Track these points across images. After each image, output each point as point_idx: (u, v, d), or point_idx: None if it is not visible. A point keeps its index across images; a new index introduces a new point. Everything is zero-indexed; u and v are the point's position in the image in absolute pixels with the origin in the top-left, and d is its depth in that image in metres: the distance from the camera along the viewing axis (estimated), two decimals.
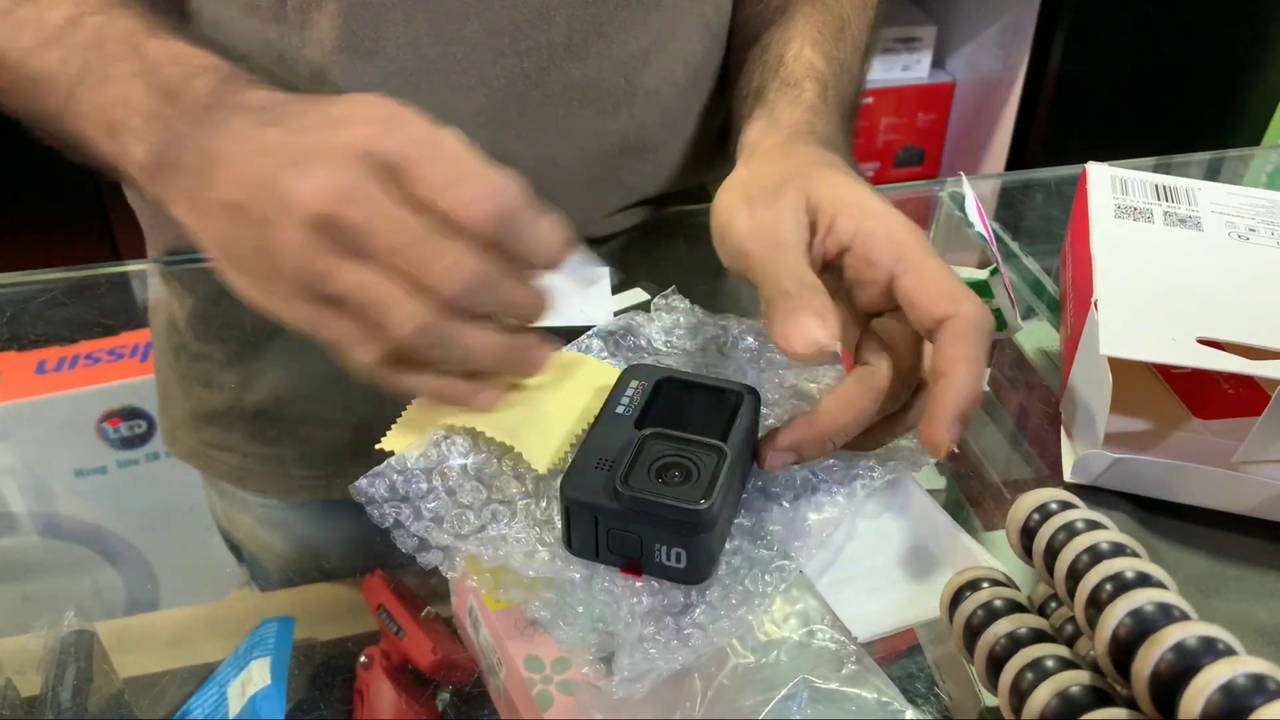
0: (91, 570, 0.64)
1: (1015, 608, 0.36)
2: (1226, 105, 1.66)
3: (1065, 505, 0.38)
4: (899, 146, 1.82)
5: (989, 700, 0.38)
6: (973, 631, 0.36)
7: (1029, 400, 0.55)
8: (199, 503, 0.71)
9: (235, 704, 0.46)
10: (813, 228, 0.43)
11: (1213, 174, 0.84)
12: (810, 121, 0.51)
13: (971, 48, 1.77)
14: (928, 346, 0.41)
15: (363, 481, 0.42)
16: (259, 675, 0.46)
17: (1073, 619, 0.36)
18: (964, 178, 0.57)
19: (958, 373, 0.39)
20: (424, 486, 0.42)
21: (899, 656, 0.42)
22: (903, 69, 1.77)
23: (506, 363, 0.40)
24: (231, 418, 0.65)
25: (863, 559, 0.43)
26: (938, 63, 1.81)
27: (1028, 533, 0.38)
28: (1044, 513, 0.38)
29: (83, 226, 1.51)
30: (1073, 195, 0.59)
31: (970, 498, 0.47)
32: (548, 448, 0.43)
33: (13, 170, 1.37)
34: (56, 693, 0.45)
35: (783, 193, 0.43)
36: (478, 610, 0.45)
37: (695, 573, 0.39)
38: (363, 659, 0.49)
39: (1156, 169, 0.75)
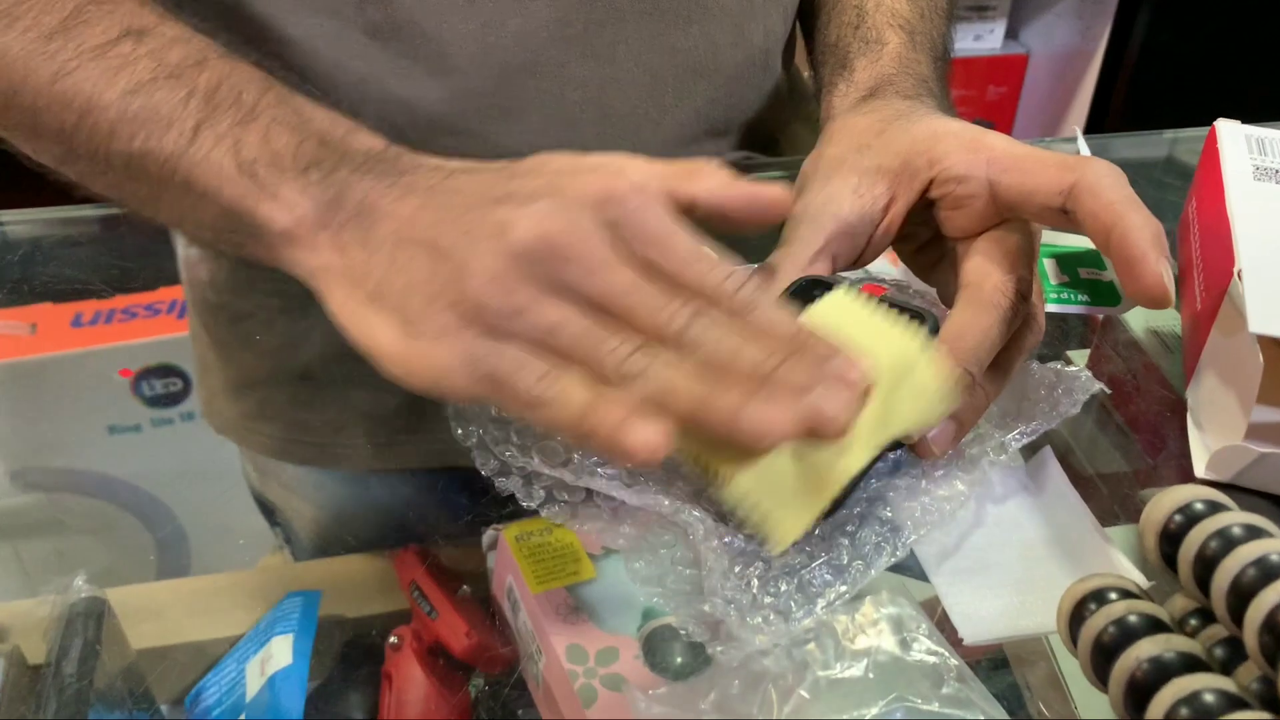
0: (123, 529, 0.67)
1: (1156, 626, 0.31)
2: None
3: (1215, 507, 0.33)
4: (967, 120, 1.79)
5: None
6: (1105, 652, 0.31)
7: (1144, 385, 0.52)
8: (234, 465, 0.70)
9: (254, 683, 0.45)
10: (892, 188, 0.42)
11: None
12: (892, 76, 0.49)
13: (1049, 17, 1.73)
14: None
15: None
16: (280, 653, 0.45)
17: (1225, 641, 0.31)
18: (1079, 134, 0.52)
19: (1124, 214, 0.36)
20: None
21: (980, 671, 0.37)
22: (974, 38, 1.73)
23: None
24: (274, 384, 0.63)
25: (987, 550, 0.39)
26: (1011, 33, 1.77)
27: (1169, 538, 0.33)
28: (1189, 515, 0.33)
29: None
30: (1187, 161, 0.55)
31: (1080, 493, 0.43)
32: (799, 519, 0.35)
33: None
34: (60, 664, 0.44)
35: (840, 169, 0.43)
36: (517, 592, 0.44)
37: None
38: (392, 639, 0.48)
39: None
